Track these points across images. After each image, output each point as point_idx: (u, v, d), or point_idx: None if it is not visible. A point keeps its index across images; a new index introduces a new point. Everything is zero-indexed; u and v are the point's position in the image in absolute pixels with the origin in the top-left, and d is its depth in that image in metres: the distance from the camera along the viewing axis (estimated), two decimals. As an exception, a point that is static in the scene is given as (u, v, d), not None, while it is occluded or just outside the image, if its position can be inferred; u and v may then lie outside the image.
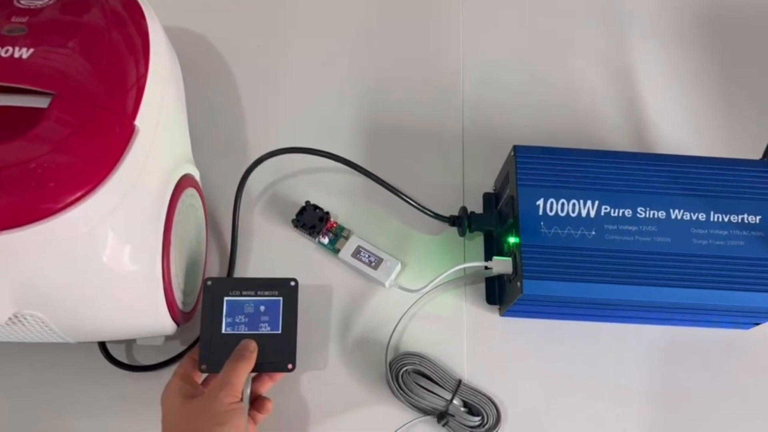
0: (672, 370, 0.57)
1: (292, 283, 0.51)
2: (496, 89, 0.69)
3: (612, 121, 0.67)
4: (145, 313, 0.48)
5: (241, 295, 0.51)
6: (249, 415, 0.48)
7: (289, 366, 0.49)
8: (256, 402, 0.50)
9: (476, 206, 0.62)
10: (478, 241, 0.61)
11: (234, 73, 0.68)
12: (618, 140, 0.66)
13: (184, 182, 0.51)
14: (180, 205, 0.50)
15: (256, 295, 0.51)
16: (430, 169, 0.64)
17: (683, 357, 0.58)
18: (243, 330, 0.50)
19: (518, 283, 0.51)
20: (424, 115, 0.67)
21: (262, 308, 0.50)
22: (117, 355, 0.55)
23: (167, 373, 0.54)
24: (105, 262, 0.44)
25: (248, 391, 0.48)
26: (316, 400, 0.55)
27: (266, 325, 0.50)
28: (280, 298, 0.51)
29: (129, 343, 0.56)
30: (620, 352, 0.57)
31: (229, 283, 0.52)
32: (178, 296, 0.50)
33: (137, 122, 0.46)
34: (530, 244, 0.52)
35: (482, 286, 0.60)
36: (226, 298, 0.50)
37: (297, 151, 0.58)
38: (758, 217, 0.54)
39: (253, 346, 0.49)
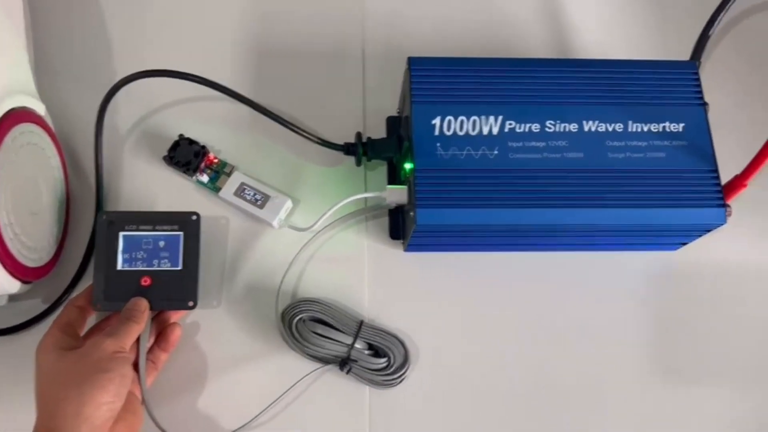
0: (595, 299, 0.52)
1: (194, 217, 0.49)
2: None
3: (531, 27, 0.60)
4: (-29, 270, 0.41)
5: (138, 230, 0.48)
6: (149, 359, 0.47)
7: (190, 303, 0.47)
8: (159, 337, 0.48)
9: (380, 132, 0.56)
10: (382, 170, 0.55)
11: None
12: (538, 48, 0.59)
13: (15, 117, 0.44)
14: (9, 143, 0.43)
15: (154, 230, 0.48)
16: (327, 92, 0.57)
17: (606, 285, 0.53)
18: (140, 266, 0.47)
19: (411, 213, 0.46)
20: (318, 30, 0.59)
21: (162, 243, 0.48)
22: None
23: (25, 337, 0.49)
24: None
25: (145, 345, 0.45)
26: (205, 357, 0.49)
27: (166, 261, 0.48)
28: (181, 233, 0.48)
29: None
30: (537, 283, 0.52)
31: (126, 216, 0.49)
32: (16, 248, 0.43)
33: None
34: (425, 168, 0.46)
35: (386, 220, 0.54)
36: (122, 233, 0.48)
37: (159, 75, 0.50)
38: (681, 125, 0.48)
39: (143, 305, 0.46)
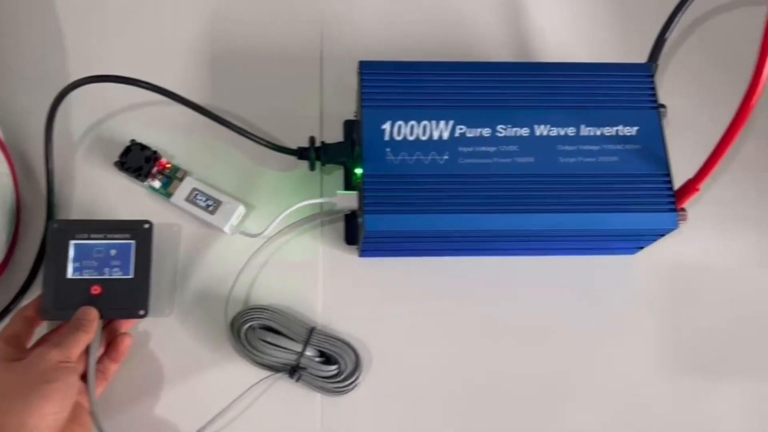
0: (552, 303, 0.52)
1: (146, 226, 0.48)
2: (361, -2, 0.60)
3: (491, 29, 0.59)
4: None
5: (89, 238, 0.47)
6: (99, 369, 0.46)
7: (141, 312, 0.47)
8: (109, 347, 0.47)
9: (337, 136, 0.55)
10: (339, 174, 0.54)
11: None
12: (499, 51, 0.58)
13: (-45, 123, 0.43)
14: (-51, 150, 0.42)
15: (105, 238, 0.48)
16: (285, 95, 0.56)
17: (564, 290, 0.52)
18: (91, 275, 0.47)
19: (360, 219, 0.45)
20: (276, 33, 0.58)
21: (113, 252, 0.47)
22: None
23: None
24: None
25: (95, 355, 0.45)
26: (155, 367, 0.49)
27: (117, 269, 0.47)
28: (133, 242, 0.48)
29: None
30: (492, 287, 0.52)
31: (77, 225, 0.48)
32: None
33: None
34: (374, 173, 0.46)
35: (342, 225, 0.53)
36: (72, 242, 0.47)
37: (107, 80, 0.50)
38: (635, 128, 0.48)
39: (92, 315, 0.45)
